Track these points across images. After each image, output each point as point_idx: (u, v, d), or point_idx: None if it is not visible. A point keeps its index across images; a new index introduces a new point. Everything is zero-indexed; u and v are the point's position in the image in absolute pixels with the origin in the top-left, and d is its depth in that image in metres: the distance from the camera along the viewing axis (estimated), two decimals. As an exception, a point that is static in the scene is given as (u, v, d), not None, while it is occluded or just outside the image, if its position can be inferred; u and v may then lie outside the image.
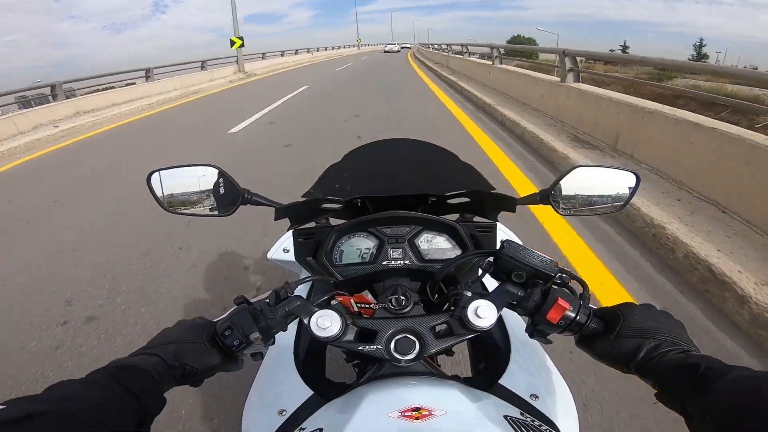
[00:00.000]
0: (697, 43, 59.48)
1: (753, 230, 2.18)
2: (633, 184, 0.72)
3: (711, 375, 0.38)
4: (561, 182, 0.72)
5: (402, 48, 51.64)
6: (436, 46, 24.49)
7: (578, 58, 4.95)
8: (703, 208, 2.47)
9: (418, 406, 0.44)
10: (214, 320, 0.53)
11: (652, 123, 3.19)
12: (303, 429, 0.49)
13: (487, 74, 8.37)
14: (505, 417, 0.46)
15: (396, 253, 0.71)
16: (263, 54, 19.86)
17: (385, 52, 43.01)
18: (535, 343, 0.69)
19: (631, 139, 3.49)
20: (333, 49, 40.59)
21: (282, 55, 22.67)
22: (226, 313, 0.53)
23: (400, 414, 0.43)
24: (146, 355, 0.47)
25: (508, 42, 51.26)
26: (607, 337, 0.47)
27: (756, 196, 2.22)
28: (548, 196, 0.72)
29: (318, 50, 33.36)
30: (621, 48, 60.50)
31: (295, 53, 26.33)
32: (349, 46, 49.66)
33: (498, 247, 0.54)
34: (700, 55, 55.67)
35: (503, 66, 7.97)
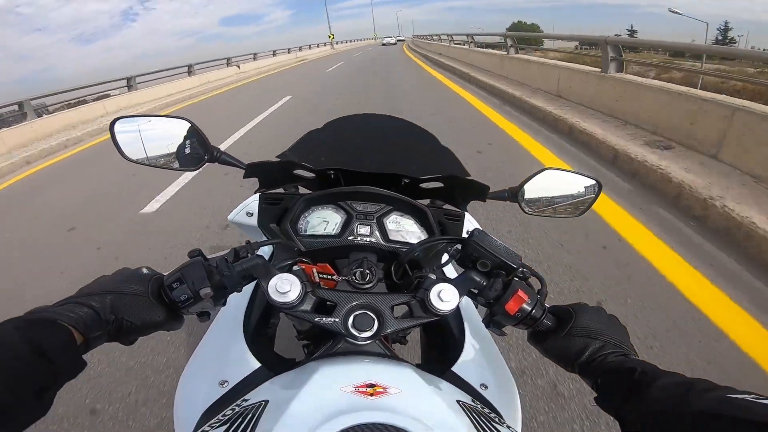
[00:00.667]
0: (722, 27, 58.78)
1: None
2: (595, 191, 0.76)
3: (645, 380, 0.40)
4: (530, 182, 0.75)
5: (397, 41, 52.36)
6: (433, 36, 19.94)
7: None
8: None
9: (373, 382, 0.44)
10: (163, 273, 0.50)
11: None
12: (246, 400, 0.47)
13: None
14: (458, 401, 0.47)
15: (363, 230, 0.70)
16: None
17: (383, 45, 44.25)
18: (487, 335, 0.71)
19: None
20: (290, 51, 23.85)
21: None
22: (177, 266, 0.50)
23: (354, 389, 0.42)
24: (74, 305, 0.42)
25: (509, 29, 49.84)
26: (557, 334, 0.50)
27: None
28: (516, 194, 0.75)
29: (255, 58, 17.62)
30: (629, 32, 60.82)
31: (188, 73, 12.20)
32: (319, 45, 33.59)
33: (466, 235, 0.55)
34: (726, 39, 54.54)
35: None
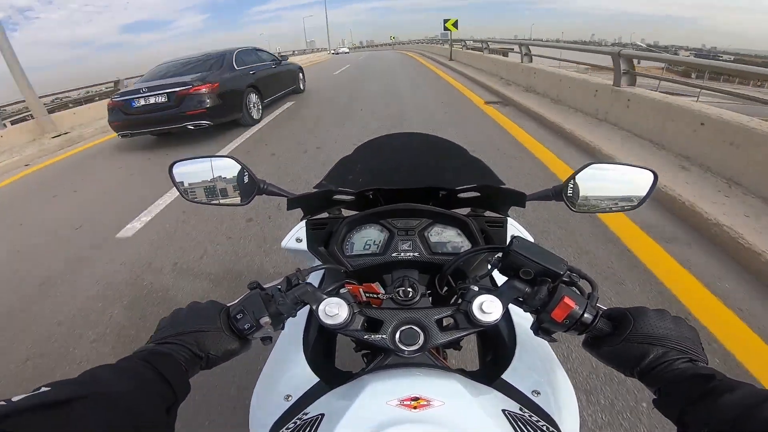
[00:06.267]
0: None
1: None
2: (650, 182, 0.70)
3: (719, 388, 0.37)
4: (575, 179, 0.71)
5: (348, 51, 42.32)
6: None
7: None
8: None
9: (417, 395, 0.45)
10: (228, 304, 0.56)
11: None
12: (306, 414, 0.51)
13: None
14: (503, 411, 0.47)
15: (406, 245, 0.71)
16: None
17: (336, 54, 36.95)
18: (541, 339, 0.69)
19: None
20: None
21: None
22: (239, 298, 0.55)
23: (399, 402, 0.44)
24: (175, 345, 0.50)
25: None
26: (614, 339, 0.47)
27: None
28: (561, 192, 0.72)
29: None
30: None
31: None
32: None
33: (508, 243, 0.54)
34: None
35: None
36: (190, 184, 0.80)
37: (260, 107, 6.61)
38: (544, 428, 0.46)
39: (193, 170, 0.80)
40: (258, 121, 6.43)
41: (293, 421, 0.50)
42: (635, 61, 4.61)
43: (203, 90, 5.47)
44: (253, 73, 6.58)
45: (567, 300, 0.48)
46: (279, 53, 9.08)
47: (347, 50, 44.43)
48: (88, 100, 9.76)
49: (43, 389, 0.36)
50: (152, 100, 5.54)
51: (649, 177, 0.70)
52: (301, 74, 9.36)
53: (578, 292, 0.51)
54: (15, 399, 0.33)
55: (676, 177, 3.03)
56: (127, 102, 5.65)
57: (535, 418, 0.48)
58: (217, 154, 0.79)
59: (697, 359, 0.44)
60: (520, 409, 0.50)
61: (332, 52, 41.41)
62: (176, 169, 0.80)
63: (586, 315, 0.49)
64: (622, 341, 0.46)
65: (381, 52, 35.90)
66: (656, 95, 4.01)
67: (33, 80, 7.56)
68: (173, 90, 5.47)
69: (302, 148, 4.83)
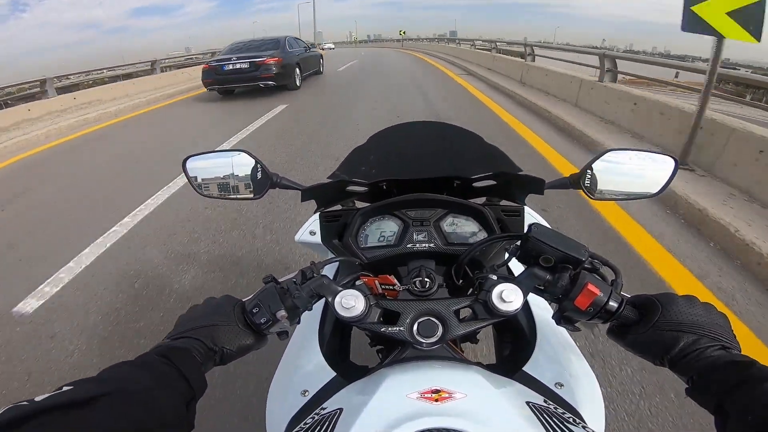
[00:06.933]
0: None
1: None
2: (670, 168, 0.69)
3: (758, 374, 0.36)
4: (593, 166, 0.70)
5: (334, 46, 42.63)
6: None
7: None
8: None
9: (438, 388, 0.44)
10: (243, 299, 0.55)
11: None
12: (324, 408, 0.50)
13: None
14: (528, 403, 0.46)
15: (421, 236, 0.71)
16: None
17: (323, 49, 35.29)
18: (562, 330, 0.68)
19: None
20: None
21: None
22: (255, 292, 0.55)
23: (419, 395, 0.43)
24: (189, 339, 0.49)
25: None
26: (641, 327, 0.46)
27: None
28: (579, 179, 0.70)
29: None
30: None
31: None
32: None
33: (526, 230, 0.53)
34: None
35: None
36: (203, 180, 0.79)
37: (300, 78, 9.56)
38: (571, 420, 0.45)
39: (207, 165, 0.79)
40: (299, 87, 9.36)
41: (311, 416, 0.50)
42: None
43: (272, 62, 8.42)
44: (297, 54, 9.71)
45: (591, 287, 0.47)
46: (309, 43, 12.66)
47: (332, 46, 47.36)
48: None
49: (65, 388, 0.36)
50: (238, 66, 8.45)
51: (669, 163, 0.69)
52: (321, 60, 12.45)
53: (601, 279, 0.50)
54: (38, 399, 0.33)
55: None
56: (220, 66, 8.55)
57: (560, 410, 0.47)
58: (230, 149, 0.78)
59: (730, 346, 0.43)
60: (545, 401, 0.48)
61: (321, 46, 41.53)
62: (190, 164, 0.79)
63: (611, 302, 0.47)
64: (649, 329, 0.45)
65: (386, 51, 29.01)
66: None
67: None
68: (253, 60, 8.42)
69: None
